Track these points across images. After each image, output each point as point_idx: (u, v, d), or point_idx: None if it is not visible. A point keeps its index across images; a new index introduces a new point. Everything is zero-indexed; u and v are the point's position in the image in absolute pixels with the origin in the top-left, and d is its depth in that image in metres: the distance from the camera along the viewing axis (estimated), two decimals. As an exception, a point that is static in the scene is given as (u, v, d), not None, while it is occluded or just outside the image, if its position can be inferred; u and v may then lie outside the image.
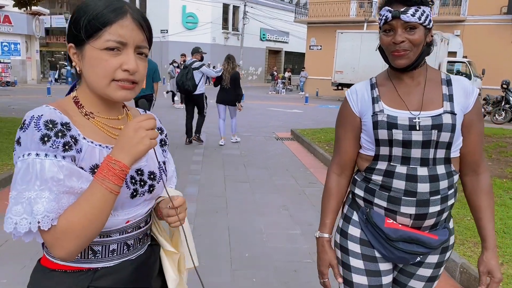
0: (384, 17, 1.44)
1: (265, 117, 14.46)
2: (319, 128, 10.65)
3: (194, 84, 8.43)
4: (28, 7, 10.31)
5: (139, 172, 1.14)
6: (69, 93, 1.17)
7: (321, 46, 28.19)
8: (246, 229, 4.32)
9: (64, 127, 1.01)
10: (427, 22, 1.42)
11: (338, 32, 21.37)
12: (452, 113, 1.44)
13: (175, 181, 1.37)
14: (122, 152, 1.00)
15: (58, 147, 0.98)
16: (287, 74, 32.57)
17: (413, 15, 1.39)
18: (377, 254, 1.55)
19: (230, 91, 8.64)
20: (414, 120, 1.44)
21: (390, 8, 1.42)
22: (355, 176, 1.64)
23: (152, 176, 1.17)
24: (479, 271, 1.51)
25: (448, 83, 1.50)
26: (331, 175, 1.68)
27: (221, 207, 4.95)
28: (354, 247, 1.58)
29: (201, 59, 8.75)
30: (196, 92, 8.60)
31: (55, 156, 0.97)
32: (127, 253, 1.15)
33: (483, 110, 15.12)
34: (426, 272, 1.58)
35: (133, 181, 1.12)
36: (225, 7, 36.34)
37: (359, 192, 1.59)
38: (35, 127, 0.97)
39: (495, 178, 5.34)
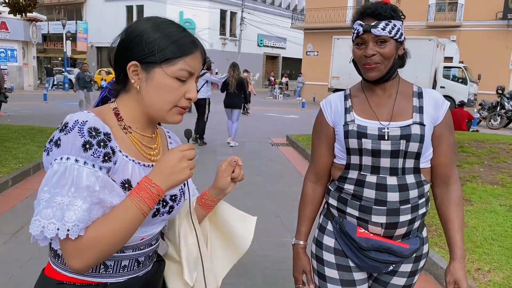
0: (356, 31, 1.47)
1: (261, 122, 14.51)
2: (314, 134, 10.67)
3: None
4: (24, 14, 10.32)
5: None
6: (97, 104, 1.17)
7: (317, 51, 28.32)
8: (237, 237, 4.30)
9: (106, 137, 1.00)
10: (398, 35, 1.45)
11: (334, 38, 21.43)
12: (421, 124, 1.47)
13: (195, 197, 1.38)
14: (161, 177, 1.01)
15: (98, 157, 0.97)
16: (284, 80, 32.71)
17: (383, 29, 1.42)
18: (351, 264, 1.57)
19: (236, 96, 9.38)
20: (383, 130, 1.47)
21: (361, 22, 1.45)
22: (329, 186, 1.67)
23: (173, 198, 1.18)
24: (446, 281, 1.52)
25: (420, 95, 1.53)
26: (307, 184, 1.72)
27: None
28: (328, 257, 1.60)
29: (208, 68, 9.36)
30: (198, 97, 8.96)
31: (93, 165, 0.96)
32: (137, 269, 1.15)
33: (478, 115, 15.17)
34: (400, 281, 1.60)
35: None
36: (223, 13, 36.54)
37: (332, 201, 1.62)
38: (78, 132, 0.96)
39: (486, 185, 5.34)
